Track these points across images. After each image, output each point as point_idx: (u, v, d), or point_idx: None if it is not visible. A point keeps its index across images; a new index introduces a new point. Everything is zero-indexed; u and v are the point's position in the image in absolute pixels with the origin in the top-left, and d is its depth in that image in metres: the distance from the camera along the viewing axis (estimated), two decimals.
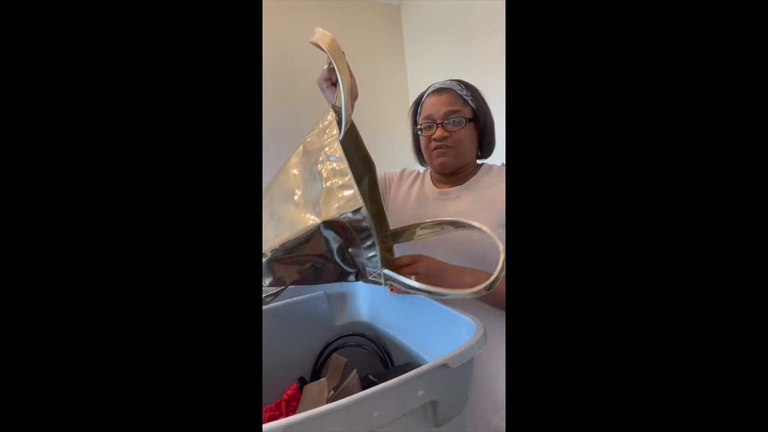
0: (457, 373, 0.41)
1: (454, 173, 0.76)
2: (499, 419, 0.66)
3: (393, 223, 0.73)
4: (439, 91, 0.73)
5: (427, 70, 2.23)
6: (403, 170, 0.88)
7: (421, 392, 0.39)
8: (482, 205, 0.69)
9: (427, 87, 0.77)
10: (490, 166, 0.77)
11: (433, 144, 0.72)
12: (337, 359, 0.68)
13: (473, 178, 0.75)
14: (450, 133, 0.71)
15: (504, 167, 0.76)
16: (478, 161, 0.79)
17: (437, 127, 0.71)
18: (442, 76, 2.23)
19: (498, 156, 0.80)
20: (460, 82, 0.74)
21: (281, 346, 0.67)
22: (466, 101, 0.72)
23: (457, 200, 0.74)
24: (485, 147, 0.76)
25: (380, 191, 0.80)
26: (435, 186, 0.79)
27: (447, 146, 0.71)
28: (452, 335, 0.52)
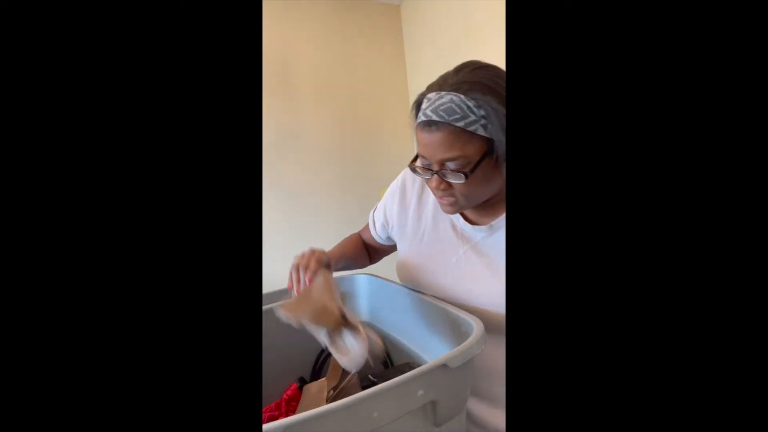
0: (457, 373, 0.41)
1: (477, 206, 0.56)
2: (498, 421, 0.66)
3: (411, 260, 0.63)
4: (430, 125, 0.49)
5: (427, 70, 2.23)
6: (403, 184, 0.67)
7: (420, 392, 0.39)
8: None
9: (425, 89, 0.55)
10: None
11: (435, 192, 0.54)
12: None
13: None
14: (450, 184, 0.51)
15: None
16: None
17: (434, 175, 0.51)
18: None
19: None
20: (467, 94, 0.47)
21: (281, 346, 0.67)
22: (473, 133, 0.47)
23: (488, 239, 0.55)
24: None
25: (395, 201, 0.67)
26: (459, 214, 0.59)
27: (452, 196, 0.53)
28: (452, 335, 0.52)
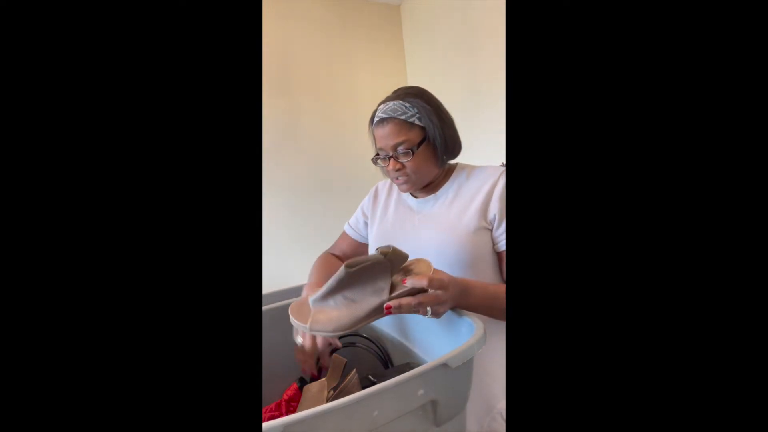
0: (456, 373, 0.41)
1: (424, 186, 0.79)
2: (491, 419, 0.66)
3: (379, 236, 0.81)
4: (382, 121, 0.72)
5: (427, 70, 2.23)
6: (375, 189, 0.91)
7: (421, 392, 0.39)
8: (458, 210, 0.72)
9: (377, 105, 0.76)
10: (464, 169, 0.79)
11: (392, 174, 0.74)
12: (337, 359, 0.68)
13: (446, 184, 0.78)
14: (403, 164, 0.72)
15: (479, 168, 0.78)
16: (452, 162, 0.80)
17: (390, 160, 0.72)
18: (442, 76, 2.21)
19: (481, 154, 0.77)
20: (404, 99, 0.72)
21: (281, 346, 0.67)
22: (412, 123, 0.70)
23: (433, 208, 0.77)
24: (449, 153, 0.75)
25: (365, 219, 0.89)
26: (412, 195, 0.82)
27: (405, 175, 0.73)
28: (452, 335, 0.52)
